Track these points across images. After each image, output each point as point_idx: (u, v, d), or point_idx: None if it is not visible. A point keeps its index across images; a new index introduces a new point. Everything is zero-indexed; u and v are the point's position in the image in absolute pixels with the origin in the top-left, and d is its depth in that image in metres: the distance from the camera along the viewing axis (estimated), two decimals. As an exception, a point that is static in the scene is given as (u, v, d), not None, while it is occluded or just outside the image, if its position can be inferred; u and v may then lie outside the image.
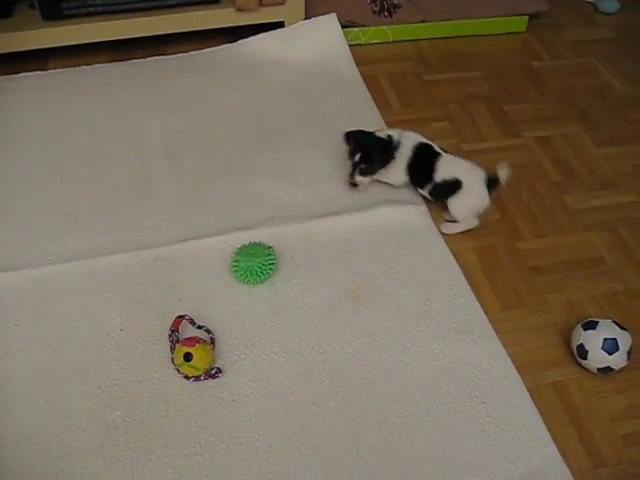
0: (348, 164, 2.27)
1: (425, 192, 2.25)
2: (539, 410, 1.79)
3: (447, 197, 2.19)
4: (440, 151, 2.22)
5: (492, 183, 2.16)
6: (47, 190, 2.35)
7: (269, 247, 2.03)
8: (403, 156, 2.22)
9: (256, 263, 1.98)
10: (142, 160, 2.46)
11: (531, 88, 2.92)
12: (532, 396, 1.81)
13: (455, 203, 2.18)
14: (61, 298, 2.01)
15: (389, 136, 2.23)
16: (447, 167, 2.18)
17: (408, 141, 2.23)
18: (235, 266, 2.00)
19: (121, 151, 2.50)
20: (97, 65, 2.97)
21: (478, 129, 2.67)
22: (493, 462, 1.69)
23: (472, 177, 2.17)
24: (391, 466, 1.68)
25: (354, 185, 2.29)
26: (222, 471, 1.66)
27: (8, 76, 2.88)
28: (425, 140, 2.25)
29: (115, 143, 2.54)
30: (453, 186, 2.16)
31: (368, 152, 2.21)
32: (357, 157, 2.21)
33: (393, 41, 3.15)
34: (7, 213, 2.27)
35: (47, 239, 2.18)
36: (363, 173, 2.23)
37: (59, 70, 2.95)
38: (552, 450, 1.71)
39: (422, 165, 2.21)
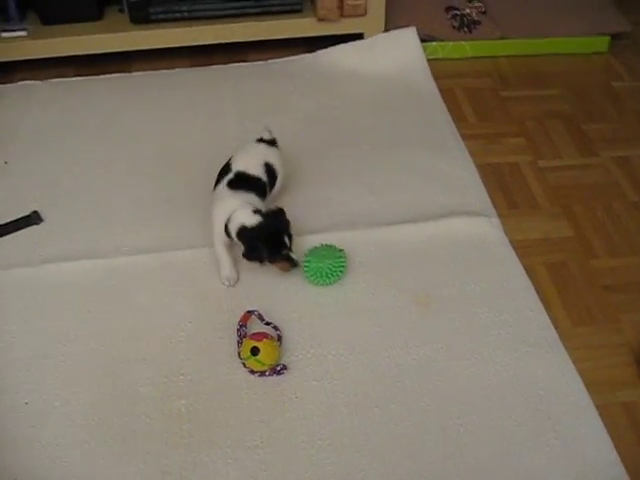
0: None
1: None
2: (607, 429, 1.73)
3: None
4: None
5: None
6: (127, 184, 2.43)
7: (340, 250, 2.04)
8: None
9: (326, 264, 1.99)
10: (218, 159, 2.48)
11: (611, 108, 2.87)
12: (600, 415, 1.76)
13: None
14: (133, 288, 2.05)
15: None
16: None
17: None
18: (306, 267, 2.01)
19: (198, 150, 2.56)
20: (178, 69, 3.04)
21: (555, 146, 2.64)
22: (556, 478, 1.64)
23: None
24: (450, 474, 1.65)
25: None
26: (281, 466, 1.66)
27: (93, 77, 2.98)
28: None
29: (192, 142, 2.60)
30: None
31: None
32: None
33: (471, 57, 3.14)
34: (86, 205, 2.35)
35: (122, 230, 2.24)
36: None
37: (141, 73, 3.02)
38: (619, 471, 1.66)
39: None
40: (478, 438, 1.71)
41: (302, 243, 2.13)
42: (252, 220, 1.94)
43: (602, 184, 2.47)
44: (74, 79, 2.99)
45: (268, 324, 1.89)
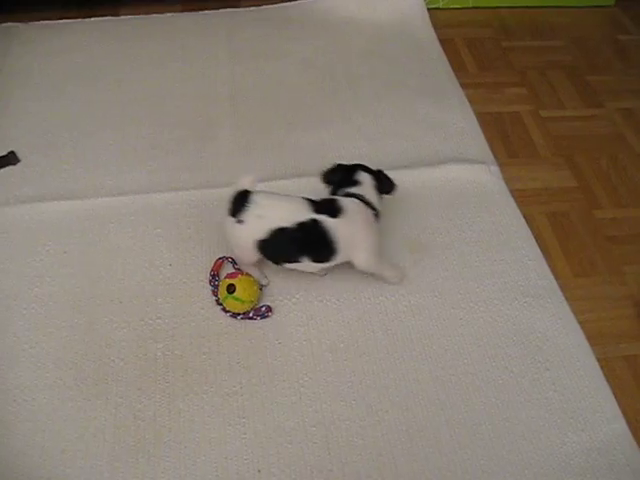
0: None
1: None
2: (608, 383, 1.65)
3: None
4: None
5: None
6: (108, 127, 2.31)
7: None
8: None
9: None
10: (206, 104, 2.39)
11: (616, 60, 2.75)
12: (602, 368, 1.68)
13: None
14: (112, 230, 1.95)
15: None
16: None
17: None
18: None
19: (186, 95, 2.44)
20: (169, 14, 2.91)
21: (557, 97, 2.53)
22: (555, 432, 1.56)
23: None
24: (442, 425, 1.56)
25: None
26: (261, 413, 1.57)
27: (80, 20, 2.85)
28: None
29: (181, 87, 2.48)
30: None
31: None
32: None
33: (473, 7, 3.01)
34: (66, 146, 2.24)
35: (103, 173, 2.13)
36: None
37: (130, 17, 2.89)
38: (621, 425, 1.58)
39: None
40: (472, 389, 1.62)
41: (290, 186, 2.02)
42: None
43: (607, 135, 2.38)
44: (58, 22, 2.85)
45: (239, 270, 1.77)
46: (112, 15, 2.88)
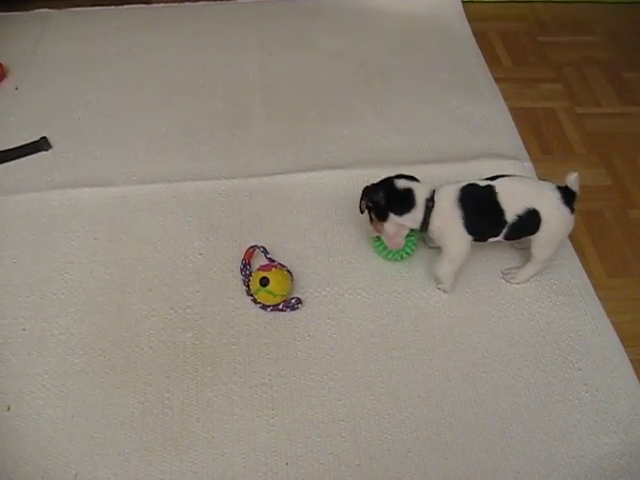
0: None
1: (499, 238, 1.71)
2: (641, 385, 1.61)
3: (528, 235, 1.70)
4: (491, 182, 1.67)
5: (569, 197, 1.65)
6: (140, 115, 2.31)
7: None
8: (449, 212, 1.67)
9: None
10: (238, 94, 2.39)
11: (654, 58, 2.69)
12: (635, 369, 1.65)
13: (539, 241, 1.70)
14: (142, 217, 1.95)
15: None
16: (514, 198, 1.65)
17: (447, 193, 1.68)
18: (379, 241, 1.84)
19: (218, 84, 2.44)
20: (202, 3, 2.90)
21: (593, 94, 2.49)
22: (586, 433, 1.54)
23: (549, 202, 1.64)
24: (472, 422, 1.55)
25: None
26: (290, 405, 1.56)
27: (113, 7, 2.85)
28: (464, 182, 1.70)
29: (213, 76, 2.47)
30: (532, 220, 1.65)
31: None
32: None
33: (508, 1, 2.97)
34: (98, 133, 2.24)
35: (135, 160, 2.13)
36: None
37: (162, 5, 2.89)
38: (654, 428, 1.54)
39: (481, 212, 1.66)
40: (502, 387, 1.61)
41: (321, 177, 2.05)
42: None
43: (643, 134, 2.32)
44: (92, 8, 2.86)
45: (272, 261, 1.77)
46: (145, 3, 2.88)
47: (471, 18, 2.81)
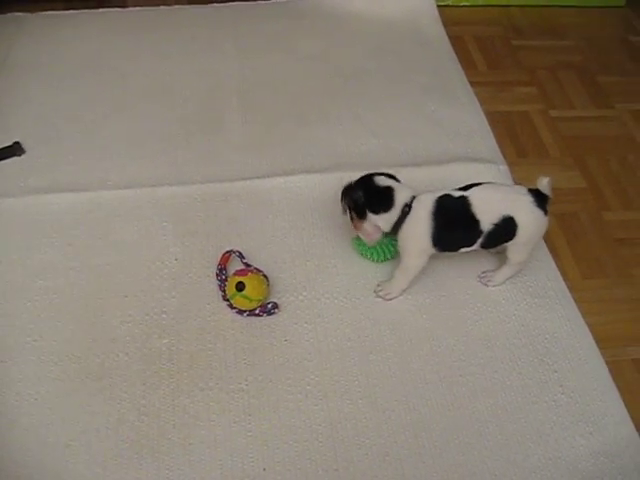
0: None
1: (475, 248, 1.71)
2: (617, 386, 1.63)
3: (503, 242, 1.71)
4: (465, 193, 1.66)
5: (542, 200, 1.66)
6: (116, 119, 2.29)
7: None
8: (421, 223, 1.65)
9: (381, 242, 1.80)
10: (214, 98, 2.37)
11: (627, 62, 2.73)
12: (610, 370, 1.66)
13: (514, 246, 1.71)
14: (118, 223, 1.93)
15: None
16: (489, 207, 1.64)
17: (424, 203, 1.67)
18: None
19: (194, 89, 2.42)
20: (176, 6, 2.88)
21: (568, 97, 2.51)
22: (563, 434, 1.54)
23: (523, 207, 1.65)
24: (449, 425, 1.55)
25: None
26: (267, 411, 1.56)
27: (87, 11, 2.82)
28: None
29: (189, 80, 2.46)
30: (508, 227, 1.65)
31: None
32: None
33: (483, 5, 2.99)
34: (72, 138, 2.22)
35: (110, 165, 2.11)
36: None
37: (138, 8, 2.87)
38: (629, 428, 1.56)
39: (456, 224, 1.66)
40: (479, 390, 1.61)
41: (298, 182, 2.04)
42: None
43: (617, 136, 2.36)
44: (66, 12, 2.83)
45: (248, 266, 1.76)
46: (119, 7, 2.86)
47: (447, 22, 2.82)
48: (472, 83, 2.50)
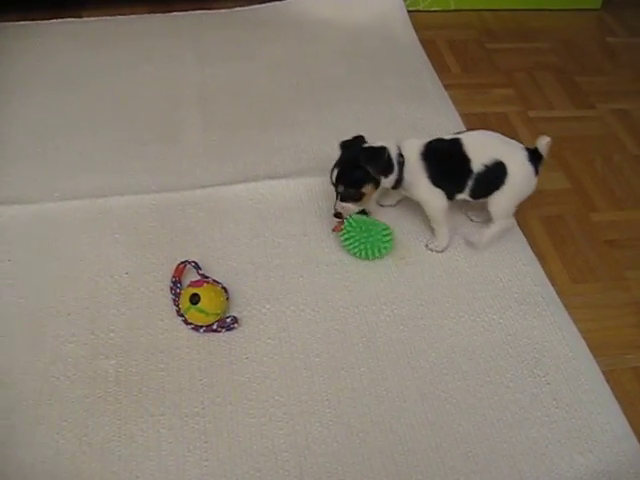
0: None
1: (465, 195, 1.70)
2: (616, 397, 1.49)
3: (492, 190, 1.67)
4: (459, 135, 1.68)
5: (536, 159, 1.66)
6: (67, 131, 2.13)
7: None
8: (415, 167, 1.66)
9: (373, 239, 1.69)
10: (173, 108, 2.24)
11: (605, 62, 2.64)
12: (608, 381, 1.52)
13: (500, 195, 1.67)
14: (64, 236, 1.77)
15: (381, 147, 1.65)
16: (482, 149, 1.65)
17: (411, 148, 1.68)
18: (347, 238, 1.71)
19: (152, 98, 2.28)
20: (134, 16, 2.75)
21: (546, 98, 2.40)
22: (559, 453, 1.39)
23: (516, 158, 1.65)
24: (432, 448, 1.39)
25: (337, 215, 1.70)
26: (225, 437, 1.38)
27: (43, 21, 2.69)
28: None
29: (147, 90, 2.32)
30: (498, 173, 1.63)
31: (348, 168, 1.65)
32: (334, 175, 1.65)
33: (455, 10, 2.88)
34: (18, 148, 2.06)
35: (57, 176, 1.96)
36: (343, 198, 1.66)
37: (94, 19, 2.74)
38: (632, 444, 1.42)
39: (447, 161, 1.67)
40: (464, 407, 1.45)
41: (261, 188, 1.92)
42: None
43: (600, 136, 2.25)
44: (18, 23, 2.68)
45: (205, 277, 1.59)
46: (75, 17, 2.72)
47: (418, 27, 2.73)
48: (446, 86, 2.40)
